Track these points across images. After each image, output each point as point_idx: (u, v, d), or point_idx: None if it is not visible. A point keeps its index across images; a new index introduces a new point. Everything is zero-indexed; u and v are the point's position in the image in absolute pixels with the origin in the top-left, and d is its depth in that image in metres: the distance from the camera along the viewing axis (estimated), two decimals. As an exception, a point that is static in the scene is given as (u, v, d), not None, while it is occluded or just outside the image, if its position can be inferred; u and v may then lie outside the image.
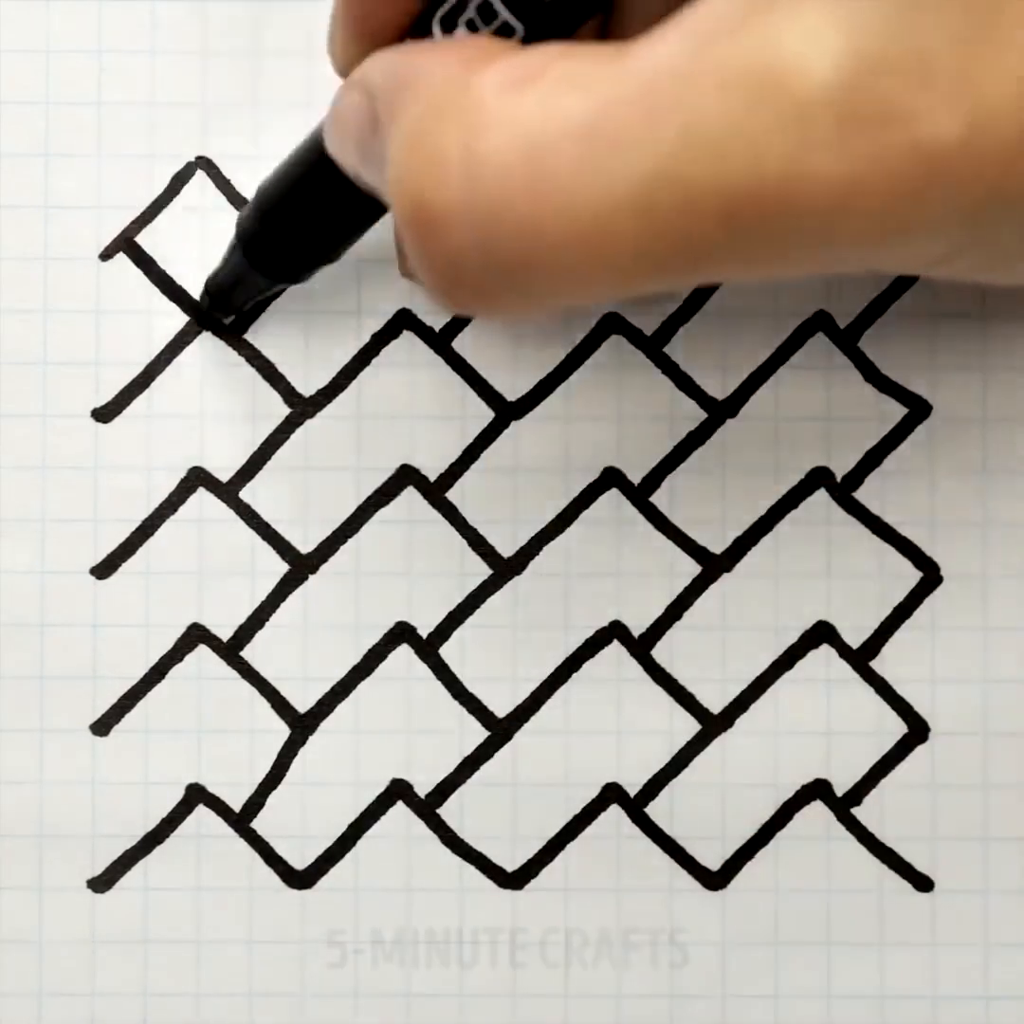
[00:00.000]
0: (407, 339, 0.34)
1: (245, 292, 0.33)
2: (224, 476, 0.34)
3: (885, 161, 0.20)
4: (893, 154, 0.20)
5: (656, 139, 0.20)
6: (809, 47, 0.20)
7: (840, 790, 0.34)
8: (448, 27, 0.25)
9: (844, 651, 0.34)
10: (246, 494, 0.34)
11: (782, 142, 0.20)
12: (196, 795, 0.34)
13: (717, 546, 0.34)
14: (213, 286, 0.33)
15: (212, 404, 0.34)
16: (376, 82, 0.24)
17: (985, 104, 0.20)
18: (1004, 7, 0.20)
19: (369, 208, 0.29)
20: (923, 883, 0.34)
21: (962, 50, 0.20)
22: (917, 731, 0.34)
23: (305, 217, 0.30)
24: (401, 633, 0.34)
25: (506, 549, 0.34)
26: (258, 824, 0.34)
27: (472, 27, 0.25)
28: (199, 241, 0.34)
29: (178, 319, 0.34)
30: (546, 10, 0.24)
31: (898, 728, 0.34)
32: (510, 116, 0.21)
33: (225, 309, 0.33)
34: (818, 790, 0.34)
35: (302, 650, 0.34)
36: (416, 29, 0.26)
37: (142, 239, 0.34)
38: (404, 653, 0.34)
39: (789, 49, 0.20)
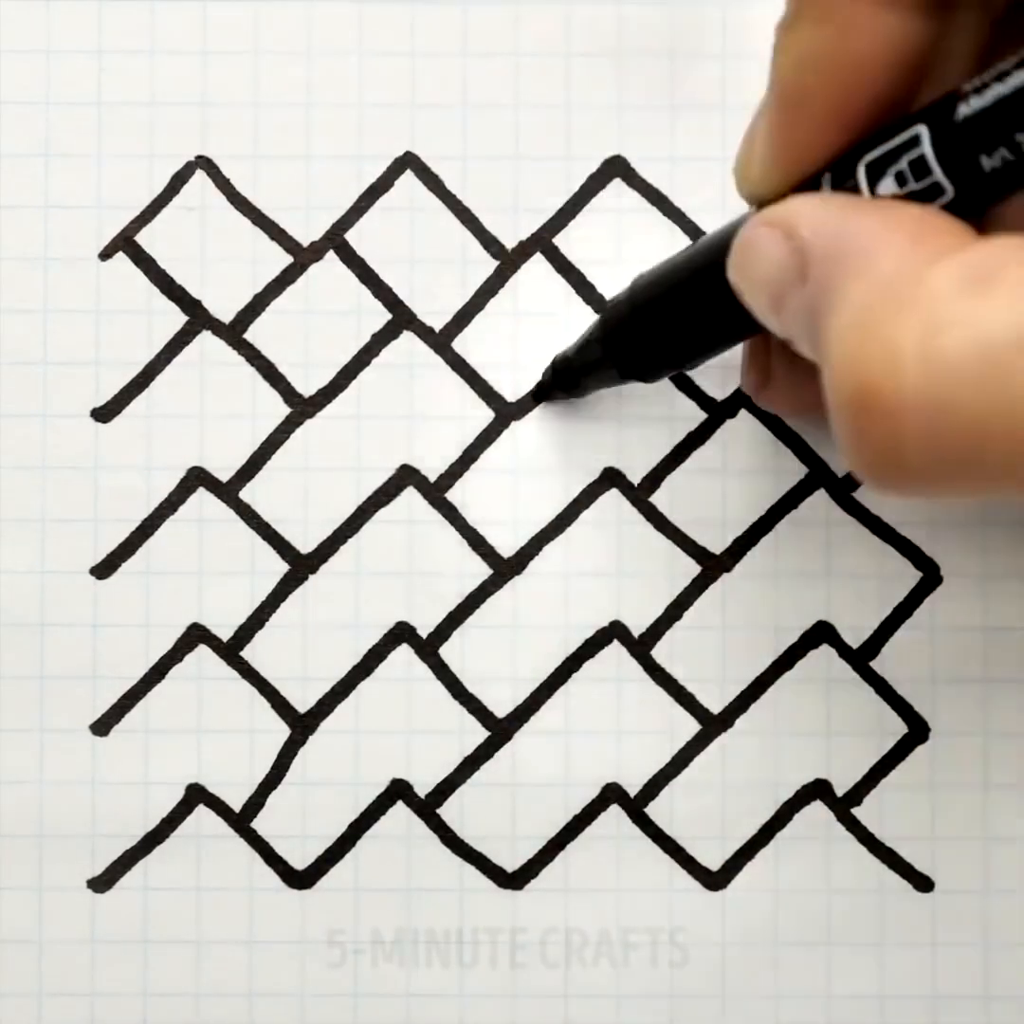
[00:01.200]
0: (407, 339, 0.34)
1: (594, 380, 0.32)
2: (224, 476, 0.34)
3: None
4: None
5: None
6: None
7: (840, 790, 0.34)
8: (874, 174, 0.25)
9: (844, 651, 0.34)
10: (246, 494, 0.34)
11: None
12: (196, 795, 0.34)
13: (717, 546, 0.34)
14: (562, 364, 0.33)
15: (212, 404, 0.34)
16: (807, 238, 0.25)
17: None
18: None
19: (746, 329, 0.28)
20: (923, 883, 0.34)
21: None
22: (917, 731, 0.34)
23: (678, 325, 0.29)
24: (401, 633, 0.34)
25: (506, 549, 0.34)
26: (258, 824, 0.34)
27: (901, 180, 0.24)
28: (199, 241, 0.34)
29: (178, 319, 0.34)
30: (983, 178, 0.24)
31: (898, 728, 0.34)
32: (970, 318, 0.22)
33: (567, 389, 0.33)
34: (818, 790, 0.34)
35: (302, 650, 0.34)
36: (839, 166, 0.25)
37: (142, 239, 0.34)
38: (404, 653, 0.34)
39: None
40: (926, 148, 0.24)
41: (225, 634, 0.34)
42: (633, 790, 0.34)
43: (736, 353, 0.32)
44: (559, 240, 0.34)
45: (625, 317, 0.30)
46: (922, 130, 0.24)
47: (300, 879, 0.34)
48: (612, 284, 0.34)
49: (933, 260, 0.23)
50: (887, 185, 0.25)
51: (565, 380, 0.33)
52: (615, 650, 0.34)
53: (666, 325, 0.30)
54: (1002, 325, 0.22)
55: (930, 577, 0.34)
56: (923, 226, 0.24)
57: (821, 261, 0.24)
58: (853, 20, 0.25)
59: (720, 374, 0.34)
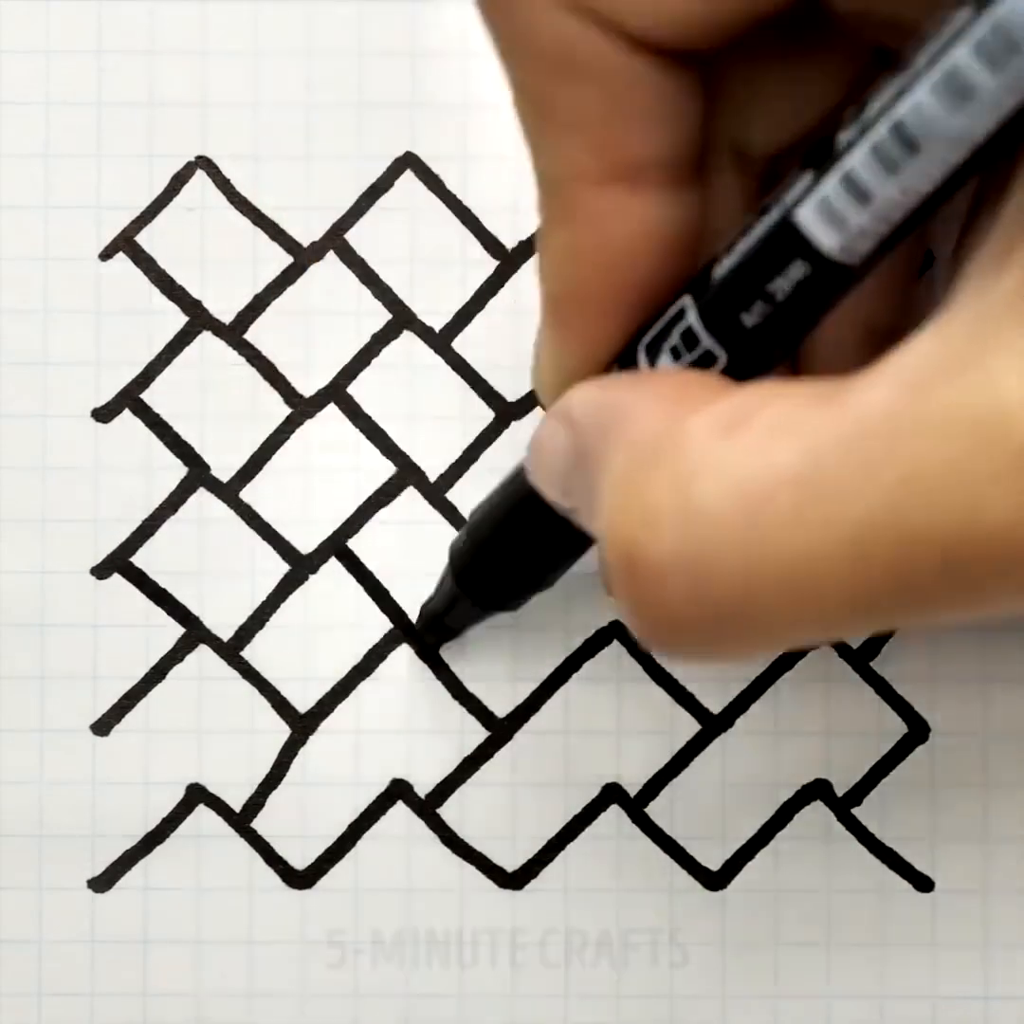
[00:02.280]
0: (407, 339, 0.34)
1: (458, 619, 0.32)
2: (224, 476, 0.34)
3: None
4: None
5: (872, 488, 0.20)
6: None
7: (840, 790, 0.34)
8: (653, 353, 0.25)
9: (844, 651, 0.34)
10: (246, 494, 0.34)
11: (1004, 490, 0.20)
12: (196, 795, 0.34)
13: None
14: (428, 613, 0.33)
15: (212, 404, 0.34)
16: (578, 418, 0.24)
17: None
18: None
19: (579, 538, 0.28)
20: (923, 883, 0.34)
21: None
22: (917, 731, 0.34)
23: (516, 549, 0.30)
24: (402, 633, 0.34)
25: (506, 549, 0.34)
26: (258, 824, 0.34)
27: (676, 354, 0.24)
28: (199, 241, 0.34)
29: (178, 319, 0.34)
30: (748, 337, 0.24)
31: (898, 728, 0.34)
32: (722, 464, 0.21)
33: (439, 635, 0.33)
34: (818, 790, 0.34)
35: (302, 650, 0.34)
36: (624, 355, 0.25)
37: (142, 239, 0.34)
38: (404, 653, 0.34)
39: (1009, 396, 0.19)
40: (692, 318, 0.24)
41: (225, 634, 0.34)
42: (633, 790, 0.34)
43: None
44: (559, 240, 0.34)
45: (469, 556, 0.31)
46: (687, 301, 0.24)
47: (300, 879, 0.34)
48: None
49: (689, 415, 0.22)
50: (665, 362, 0.24)
51: (434, 626, 0.33)
52: (615, 650, 0.34)
53: (507, 553, 0.30)
54: (753, 467, 0.21)
55: (930, 577, 0.34)
56: (685, 386, 0.23)
57: (591, 438, 0.24)
58: (602, 212, 0.24)
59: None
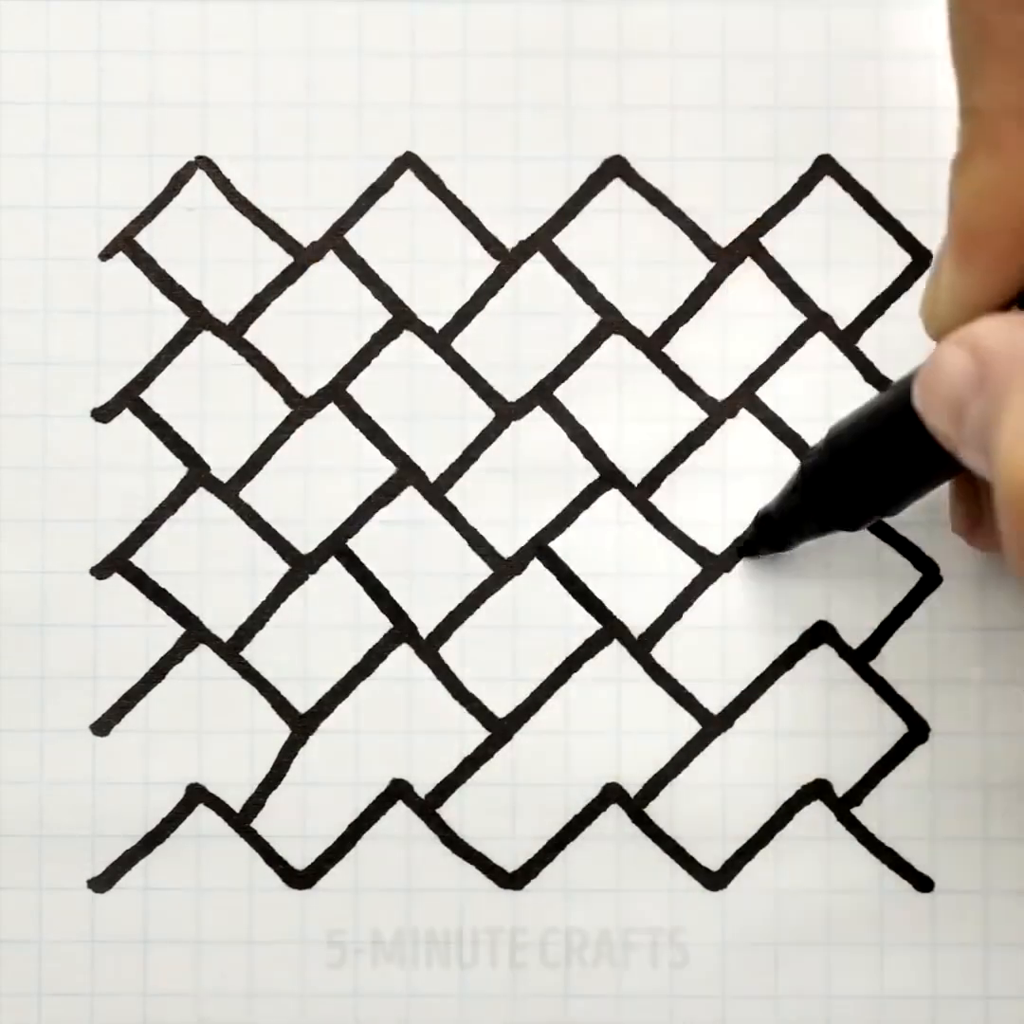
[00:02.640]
0: (407, 339, 0.34)
1: (798, 533, 0.32)
2: (224, 476, 0.34)
3: None
4: None
5: None
6: None
7: (840, 790, 0.34)
8: None
9: (844, 651, 0.34)
10: (246, 494, 0.34)
11: None
12: (196, 795, 0.34)
13: (717, 546, 0.34)
14: (764, 519, 0.32)
15: (212, 404, 0.34)
16: (990, 348, 0.24)
17: None
18: None
19: (945, 466, 0.28)
20: (923, 883, 0.34)
21: None
22: (917, 731, 0.34)
23: (877, 468, 0.29)
24: (401, 633, 0.34)
25: (506, 549, 0.34)
26: (258, 824, 0.34)
27: None
28: (199, 241, 0.34)
29: (178, 319, 0.34)
30: None
31: (898, 728, 0.34)
32: None
33: (772, 544, 0.33)
34: (818, 790, 0.34)
35: (302, 650, 0.34)
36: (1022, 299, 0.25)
37: (142, 239, 0.34)
38: (404, 653, 0.34)
39: None
40: None
41: (225, 634, 0.34)
42: (633, 790, 0.34)
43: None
44: (559, 240, 0.34)
45: (824, 466, 0.30)
46: None
47: (300, 879, 0.34)
48: (612, 284, 0.34)
49: None
50: None
51: (768, 534, 0.33)
52: (615, 650, 0.34)
53: (866, 471, 0.29)
54: None
55: (930, 577, 0.34)
56: None
57: (999, 372, 0.24)
58: None
59: (720, 374, 0.34)
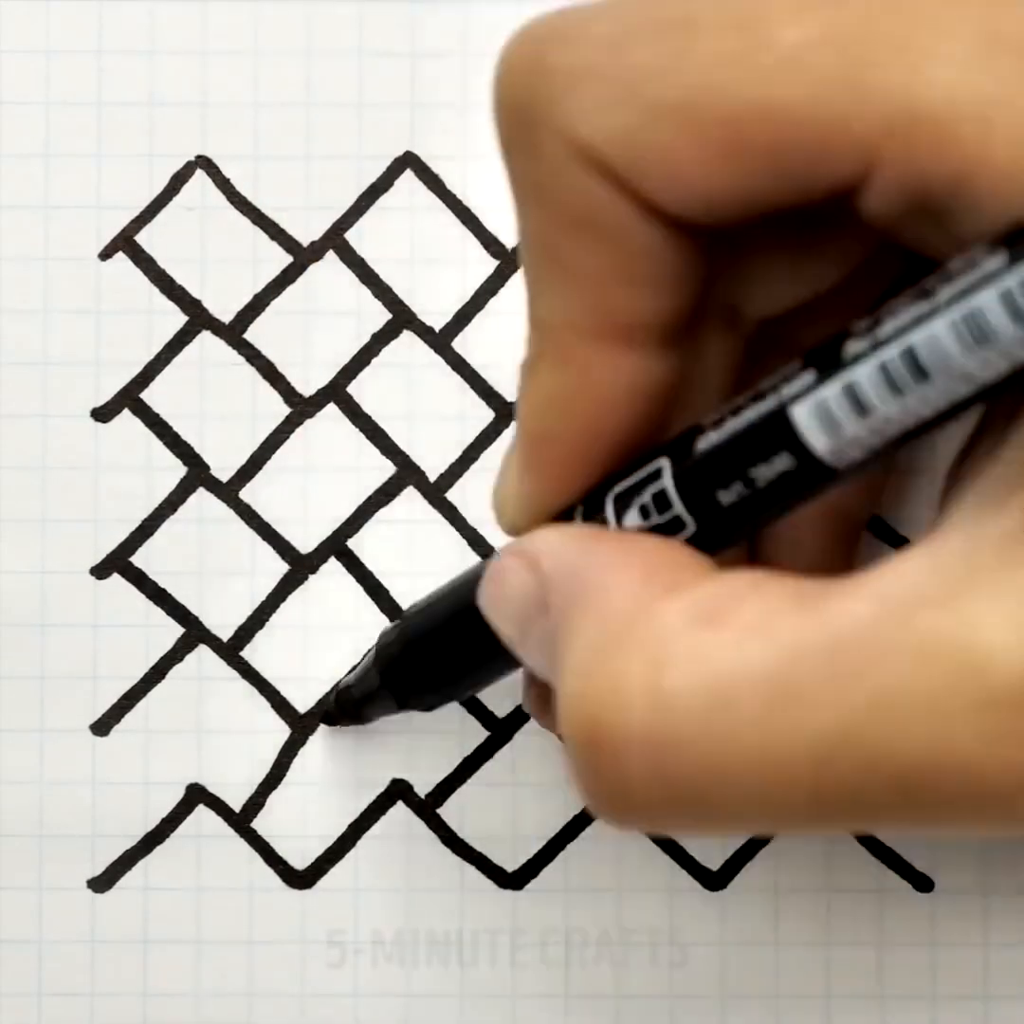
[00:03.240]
0: (407, 339, 0.34)
1: (373, 710, 0.32)
2: (224, 476, 0.34)
3: None
4: None
5: (842, 701, 0.21)
6: (1009, 636, 0.20)
7: (840, 790, 0.34)
8: (621, 506, 0.25)
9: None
10: (246, 494, 0.34)
11: (972, 724, 0.20)
12: (196, 795, 0.34)
13: (717, 546, 0.34)
14: (343, 696, 0.33)
15: (212, 404, 0.34)
16: (548, 571, 0.24)
17: None
18: None
19: (511, 661, 0.28)
20: (923, 883, 0.34)
21: None
22: (917, 731, 0.34)
23: (448, 659, 0.30)
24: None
25: (506, 549, 0.34)
26: (258, 824, 0.34)
27: (645, 513, 0.24)
28: (199, 241, 0.34)
29: (178, 319, 0.34)
30: (721, 514, 0.24)
31: (898, 728, 0.34)
32: (697, 655, 0.22)
33: (349, 718, 0.33)
34: (818, 790, 0.34)
35: (302, 650, 0.34)
36: (591, 499, 0.25)
37: (142, 239, 0.34)
38: (404, 653, 0.34)
39: (989, 636, 0.20)
40: (667, 482, 0.24)
41: (225, 634, 0.34)
42: (633, 790, 0.34)
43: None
44: (559, 240, 0.34)
45: (398, 653, 0.30)
46: (664, 463, 0.24)
47: (300, 879, 0.34)
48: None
49: (664, 595, 0.22)
50: (632, 517, 0.25)
51: (345, 709, 0.33)
52: (615, 650, 0.34)
53: (438, 661, 0.30)
54: (729, 662, 0.21)
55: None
56: (658, 560, 0.23)
57: (559, 594, 0.24)
58: (591, 364, 0.24)
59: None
